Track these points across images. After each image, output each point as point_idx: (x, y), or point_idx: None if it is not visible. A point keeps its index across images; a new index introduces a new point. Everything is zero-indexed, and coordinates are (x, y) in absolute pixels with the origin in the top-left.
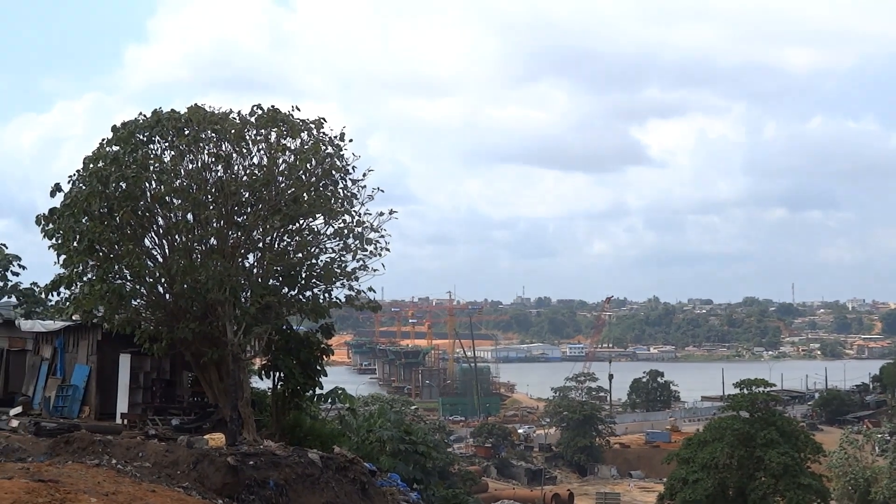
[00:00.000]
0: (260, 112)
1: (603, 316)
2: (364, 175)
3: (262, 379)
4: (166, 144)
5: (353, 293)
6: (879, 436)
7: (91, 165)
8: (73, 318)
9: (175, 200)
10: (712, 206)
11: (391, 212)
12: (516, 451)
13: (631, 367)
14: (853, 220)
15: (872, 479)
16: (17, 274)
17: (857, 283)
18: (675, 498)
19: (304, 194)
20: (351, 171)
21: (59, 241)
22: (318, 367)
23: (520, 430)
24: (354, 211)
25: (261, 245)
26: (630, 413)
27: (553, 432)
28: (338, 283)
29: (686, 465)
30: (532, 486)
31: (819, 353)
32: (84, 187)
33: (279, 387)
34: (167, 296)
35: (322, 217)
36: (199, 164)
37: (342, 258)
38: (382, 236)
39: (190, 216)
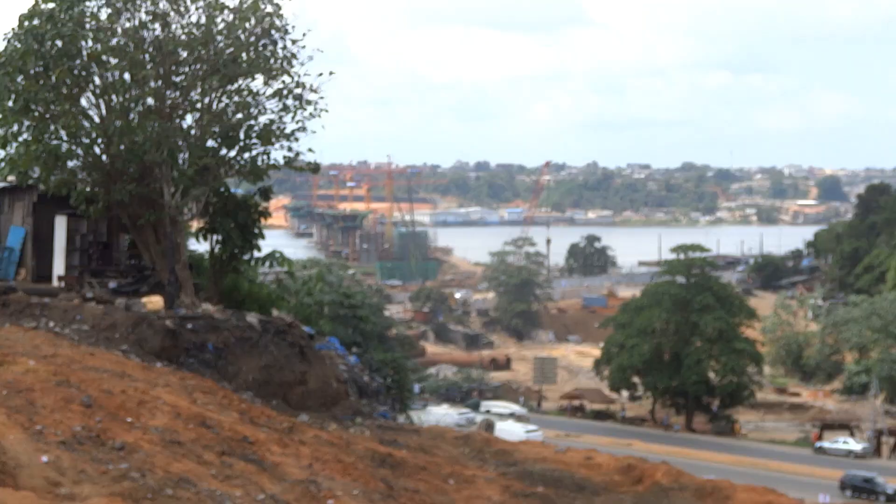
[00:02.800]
0: None
1: (542, 180)
2: (304, 35)
3: (199, 242)
4: (103, 2)
5: (292, 155)
6: (812, 301)
7: (26, 23)
8: (9, 179)
9: (112, 59)
10: (655, 70)
11: (330, 73)
12: (454, 316)
13: (569, 231)
14: (793, 85)
15: (805, 344)
16: None
17: (795, 149)
18: (612, 362)
19: (243, 54)
20: (290, 31)
21: None
22: (256, 231)
23: (457, 295)
24: (294, 71)
25: (199, 106)
26: (567, 278)
27: (491, 297)
28: (276, 145)
29: (623, 329)
30: (470, 351)
31: (755, 218)
32: (19, 45)
33: (217, 250)
34: (104, 157)
35: (261, 77)
36: (137, 23)
37: (281, 119)
38: (322, 97)
39: (127, 76)
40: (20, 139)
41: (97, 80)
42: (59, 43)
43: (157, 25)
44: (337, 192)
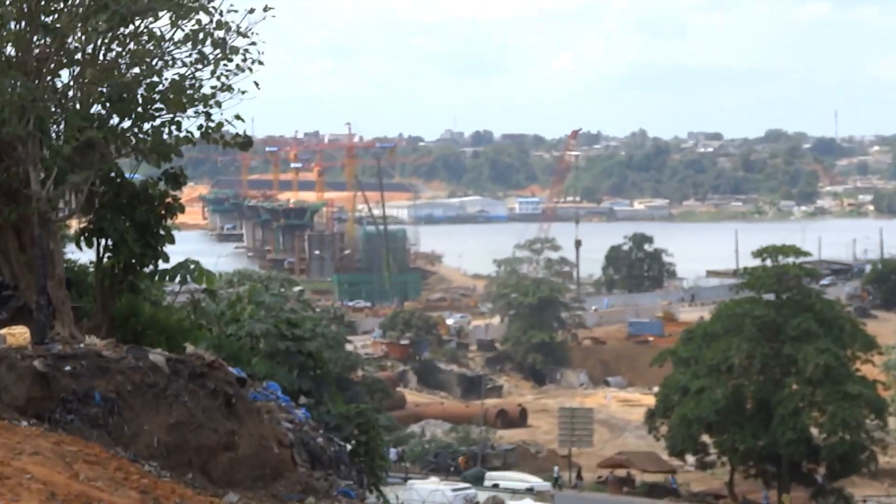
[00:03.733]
0: None
1: (567, 157)
2: None
3: (81, 249)
4: None
5: (212, 124)
6: None
7: None
8: None
9: None
10: (724, 1)
11: (266, 8)
12: (445, 351)
13: (607, 229)
14: None
15: None
16: None
17: None
18: (672, 414)
19: None
20: None
21: None
22: (162, 232)
23: (449, 321)
24: (213, 7)
25: (80, 57)
26: (606, 295)
27: (497, 323)
28: (190, 111)
29: (686, 368)
30: (468, 400)
31: (871, 207)
32: None
33: (106, 260)
34: None
35: (167, 16)
36: None
37: (196, 74)
38: (254, 43)
39: None
40: None
41: None
42: None
43: None
44: (276, 175)
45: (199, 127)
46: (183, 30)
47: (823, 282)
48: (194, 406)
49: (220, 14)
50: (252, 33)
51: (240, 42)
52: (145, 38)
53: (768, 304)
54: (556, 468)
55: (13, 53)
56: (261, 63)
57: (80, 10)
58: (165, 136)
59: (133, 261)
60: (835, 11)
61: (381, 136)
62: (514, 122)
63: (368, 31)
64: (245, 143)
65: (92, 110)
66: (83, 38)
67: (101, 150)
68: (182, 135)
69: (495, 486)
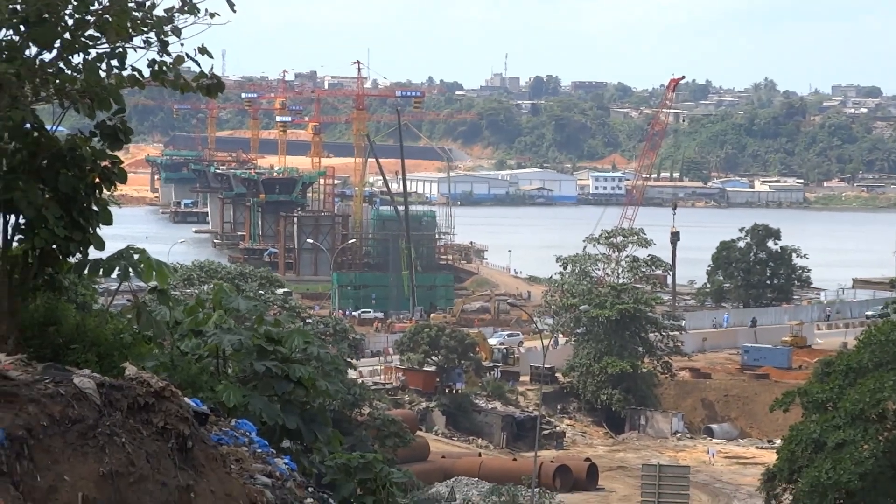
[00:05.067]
0: None
1: (664, 117)
2: None
3: None
4: None
5: (168, 60)
6: None
7: None
8: None
9: None
10: None
11: None
12: (485, 383)
13: (717, 217)
14: None
15: None
16: None
17: None
18: (800, 477)
19: None
20: None
21: None
22: (95, 208)
23: (492, 341)
24: None
25: None
26: (712, 310)
27: (560, 346)
28: (137, 39)
29: (821, 414)
30: (516, 450)
31: None
32: None
33: (17, 245)
34: None
35: None
36: None
37: None
38: None
39: None
40: None
41: None
42: None
43: None
44: (256, 134)
45: (150, 63)
46: None
47: None
48: (135, 450)
49: None
50: None
51: None
52: None
53: None
54: None
55: None
56: None
57: None
58: (102, 74)
59: (54, 247)
60: None
61: (402, 81)
62: (588, 67)
63: None
64: (213, 86)
65: None
66: None
67: (12, 92)
68: (126, 73)
69: None
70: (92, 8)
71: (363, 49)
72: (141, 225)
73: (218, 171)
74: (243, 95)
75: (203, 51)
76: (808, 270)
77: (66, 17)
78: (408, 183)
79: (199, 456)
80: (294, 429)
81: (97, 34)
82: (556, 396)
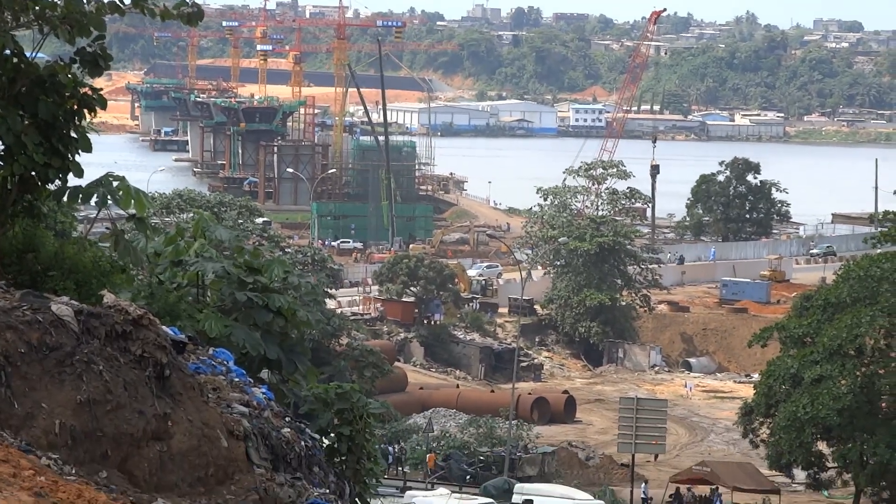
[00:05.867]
0: None
1: (644, 49)
2: None
3: None
4: None
5: None
6: None
7: None
8: None
9: None
10: None
11: None
12: (464, 314)
13: (697, 150)
14: None
15: None
16: None
17: None
18: (777, 412)
19: None
20: None
21: None
22: (75, 135)
23: (471, 272)
24: None
25: None
26: (691, 244)
27: (538, 278)
28: None
29: (799, 348)
30: (493, 381)
31: None
32: None
33: None
34: None
35: None
36: None
37: None
38: None
39: None
40: None
41: None
42: None
43: None
44: (237, 62)
45: None
46: None
47: None
48: (112, 378)
49: None
50: None
51: None
52: None
53: None
54: (644, 485)
55: None
56: None
57: None
58: (83, 1)
59: (33, 173)
60: None
61: (384, 10)
62: None
63: None
64: (193, 14)
65: None
66: None
67: None
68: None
69: (528, 502)
70: None
71: None
72: (119, 153)
73: (198, 99)
74: (224, 24)
75: None
76: (788, 205)
77: None
78: (388, 113)
79: (177, 384)
80: (273, 359)
81: None
82: (535, 328)
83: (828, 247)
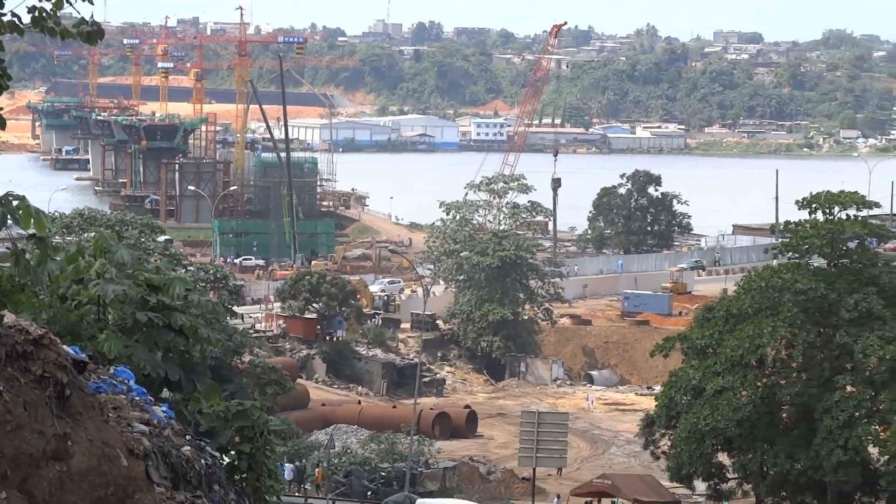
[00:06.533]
0: None
1: (545, 62)
2: None
3: None
4: None
5: (47, 4)
6: None
7: None
8: None
9: None
10: None
11: None
12: (367, 330)
13: (598, 163)
14: None
15: None
16: None
17: None
18: (678, 423)
19: None
20: None
21: None
22: None
23: (373, 288)
24: None
25: None
26: (593, 257)
27: (441, 292)
28: None
29: (701, 360)
30: (395, 397)
31: None
32: None
33: None
34: None
35: None
36: None
37: None
38: None
39: None
40: None
41: None
42: None
43: None
44: (138, 80)
45: (30, 9)
46: None
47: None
48: (13, 399)
49: None
50: None
51: None
52: None
53: (817, 273)
54: (556, 500)
55: None
56: None
57: None
58: None
59: None
60: None
61: (285, 27)
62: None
63: None
64: (93, 33)
65: None
66: None
67: None
68: (5, 18)
69: None
70: None
71: None
72: (19, 172)
73: (99, 117)
74: (125, 41)
75: None
76: (689, 217)
77: None
78: (290, 129)
79: (77, 404)
80: (176, 378)
81: None
82: (437, 343)
83: (696, 261)
